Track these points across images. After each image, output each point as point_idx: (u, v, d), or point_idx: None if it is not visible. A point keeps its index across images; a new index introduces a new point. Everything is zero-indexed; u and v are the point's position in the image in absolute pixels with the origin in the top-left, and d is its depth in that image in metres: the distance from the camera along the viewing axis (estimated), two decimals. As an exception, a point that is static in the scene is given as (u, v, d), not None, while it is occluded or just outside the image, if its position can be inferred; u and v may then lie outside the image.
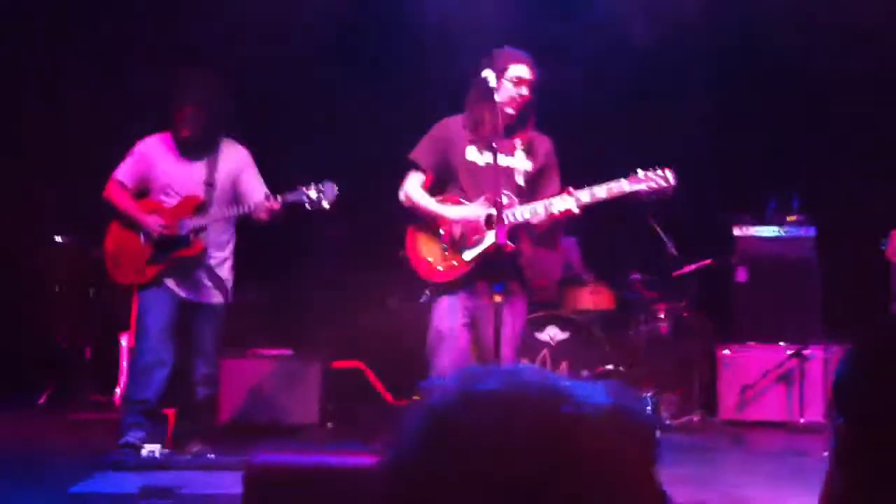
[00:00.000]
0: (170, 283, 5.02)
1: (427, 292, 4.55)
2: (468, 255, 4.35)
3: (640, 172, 4.26)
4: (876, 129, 6.85)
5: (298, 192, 4.80)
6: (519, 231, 4.34)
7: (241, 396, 5.96)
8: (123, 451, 4.82)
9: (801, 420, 6.20)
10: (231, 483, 3.33)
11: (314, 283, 7.01)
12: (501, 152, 4.21)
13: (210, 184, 5.04)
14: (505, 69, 4.34)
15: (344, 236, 7.00)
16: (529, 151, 4.44)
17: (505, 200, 4.18)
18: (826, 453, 1.18)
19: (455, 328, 4.33)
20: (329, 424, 6.02)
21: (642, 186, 4.24)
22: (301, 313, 6.81)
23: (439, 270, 4.38)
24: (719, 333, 6.66)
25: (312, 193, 4.77)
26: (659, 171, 4.26)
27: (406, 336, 4.87)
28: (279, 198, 4.84)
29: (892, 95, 6.69)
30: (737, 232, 6.81)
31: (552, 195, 4.33)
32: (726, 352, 6.52)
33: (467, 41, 4.86)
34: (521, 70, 4.36)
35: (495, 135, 4.30)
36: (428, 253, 4.40)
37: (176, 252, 4.99)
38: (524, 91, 4.37)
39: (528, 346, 5.83)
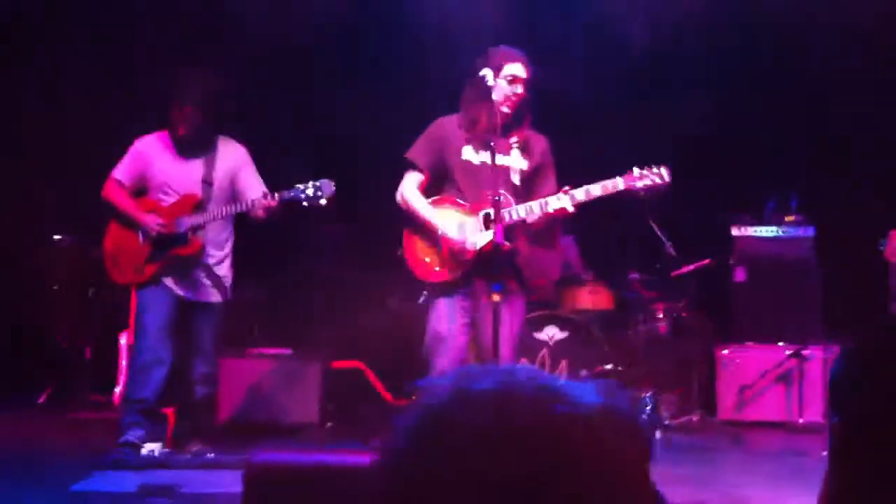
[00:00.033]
0: (168, 281, 5.02)
1: (425, 293, 4.56)
2: (469, 245, 4.35)
3: (636, 170, 4.27)
4: (875, 130, 6.86)
5: (295, 189, 4.81)
6: (515, 230, 4.35)
7: (241, 395, 5.96)
8: (123, 450, 4.82)
9: (800, 420, 6.20)
10: (231, 482, 3.33)
11: (313, 283, 7.01)
12: (497, 151, 4.23)
13: (208, 182, 5.04)
14: (500, 68, 4.35)
15: (343, 235, 7.00)
16: (525, 150, 4.44)
17: (495, 201, 4.19)
18: (825, 453, 1.19)
19: (453, 329, 4.33)
20: (328, 424, 6.02)
21: (638, 184, 4.25)
22: (300, 312, 6.81)
23: (436, 271, 4.39)
24: (718, 333, 6.66)
25: (309, 191, 4.77)
26: (654, 169, 4.27)
27: (405, 336, 4.87)
28: (276, 195, 4.85)
29: (891, 95, 6.70)
30: (735, 232, 6.82)
31: (548, 194, 4.34)
32: (725, 352, 6.53)
33: (467, 41, 4.86)
34: (516, 69, 4.37)
35: (491, 133, 4.31)
36: (425, 254, 4.41)
37: (174, 250, 4.99)
38: (519, 89, 4.37)
39: (527, 346, 5.83)
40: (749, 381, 6.39)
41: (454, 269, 4.36)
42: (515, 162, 4.42)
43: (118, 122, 6.05)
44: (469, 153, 4.42)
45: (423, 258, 4.40)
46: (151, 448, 4.89)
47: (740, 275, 6.74)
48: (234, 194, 5.08)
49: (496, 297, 4.07)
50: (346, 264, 7.01)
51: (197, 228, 5.01)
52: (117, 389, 6.04)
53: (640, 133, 6.71)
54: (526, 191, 4.40)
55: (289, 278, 7.09)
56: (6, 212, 6.87)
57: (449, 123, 4.49)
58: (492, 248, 4.19)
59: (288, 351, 6.24)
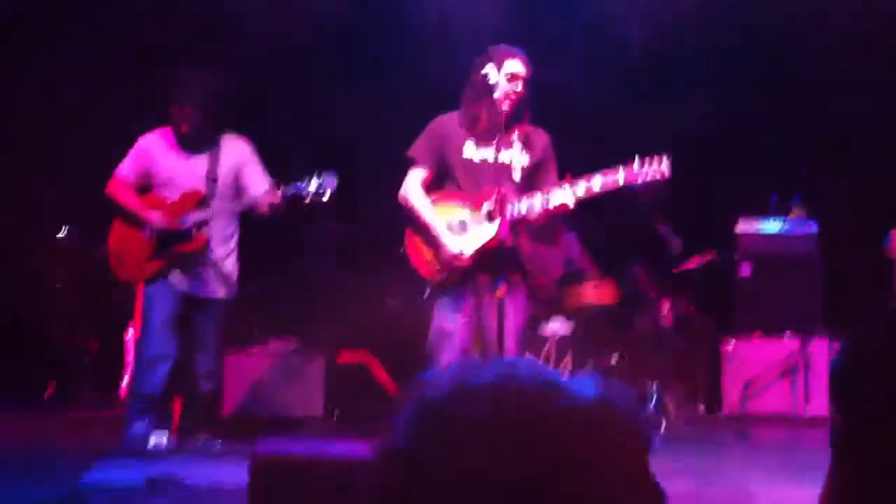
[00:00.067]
0: (173, 278, 5.03)
1: (428, 289, 4.55)
2: (466, 249, 4.35)
3: (636, 163, 4.27)
4: (878, 126, 6.86)
5: (298, 185, 4.82)
6: (517, 226, 4.35)
7: (245, 390, 5.96)
8: (129, 443, 4.84)
9: (805, 414, 6.20)
10: (236, 474, 3.33)
11: (318, 278, 7.02)
12: (498, 148, 4.22)
13: (212, 178, 5.05)
14: (500, 65, 4.35)
15: (347, 232, 7.01)
16: (526, 146, 4.44)
17: (496, 197, 4.20)
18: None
19: (457, 325, 4.33)
20: (333, 418, 6.03)
21: (638, 177, 4.25)
22: (305, 307, 6.82)
23: (439, 269, 4.38)
24: (722, 328, 6.67)
25: (312, 186, 4.79)
26: (654, 161, 4.27)
27: (409, 331, 4.87)
28: (279, 191, 4.86)
29: (892, 93, 6.70)
30: (739, 228, 6.83)
31: (550, 189, 4.34)
32: (730, 346, 6.53)
33: (467, 41, 4.87)
34: (515, 66, 4.37)
35: (492, 131, 4.31)
36: (427, 252, 4.41)
37: (178, 246, 5.00)
38: (518, 87, 4.38)
39: (532, 341, 5.83)
40: (753, 375, 6.39)
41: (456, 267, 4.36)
42: (517, 158, 4.42)
43: (118, 121, 6.06)
44: (470, 151, 4.42)
45: (426, 256, 4.40)
46: (157, 440, 4.90)
47: (746, 270, 6.75)
48: (238, 190, 5.09)
49: (500, 293, 4.07)
50: (348, 262, 7.02)
51: (201, 224, 5.01)
52: (123, 383, 6.05)
53: (641, 132, 6.71)
54: (527, 187, 4.39)
55: (292, 274, 7.09)
56: (6, 211, 6.88)
57: (449, 121, 4.49)
58: (496, 244, 4.19)
59: (291, 346, 6.25)
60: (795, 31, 6.89)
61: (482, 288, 4.32)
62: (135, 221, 5.05)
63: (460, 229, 4.37)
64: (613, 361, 5.97)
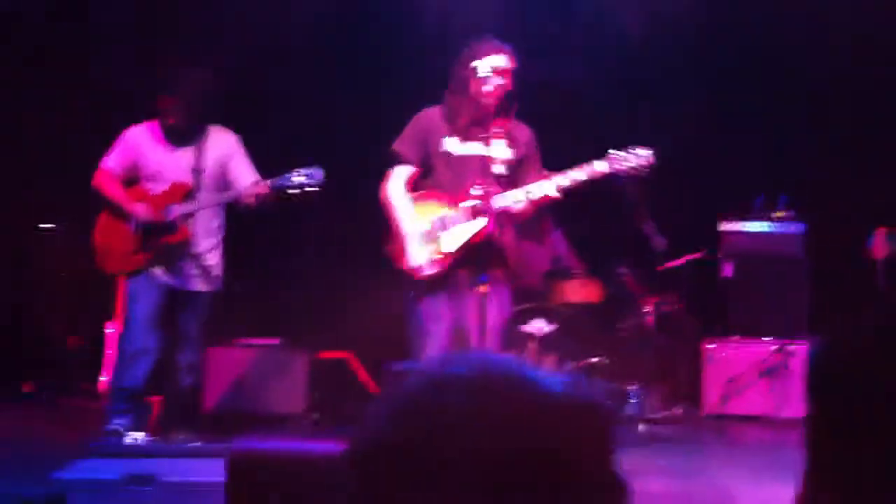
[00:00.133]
0: (157, 271, 5.02)
1: (412, 287, 4.54)
2: (447, 245, 4.34)
3: (619, 153, 4.27)
4: (865, 127, 6.88)
5: (285, 177, 4.81)
6: (502, 220, 4.34)
7: (227, 385, 5.95)
8: (107, 438, 4.83)
9: (785, 415, 6.22)
10: (214, 471, 3.32)
11: (303, 274, 7.01)
12: (481, 142, 4.21)
13: (198, 170, 5.03)
14: (485, 59, 4.35)
15: (336, 229, 7.00)
16: (510, 141, 4.44)
17: (480, 191, 4.19)
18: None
19: (439, 322, 4.33)
20: (315, 415, 6.02)
21: (621, 166, 4.26)
22: (289, 303, 6.82)
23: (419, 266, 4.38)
24: (705, 328, 6.68)
25: (300, 178, 4.78)
26: (637, 150, 4.28)
27: (393, 329, 4.87)
28: (266, 182, 4.86)
29: (882, 92, 6.72)
30: (724, 227, 6.83)
31: (534, 182, 4.34)
32: (712, 346, 6.54)
33: (468, 41, 4.84)
34: (499, 60, 4.37)
35: (476, 125, 4.31)
36: (409, 247, 4.39)
37: (162, 238, 4.98)
38: (502, 81, 4.37)
39: (515, 339, 5.83)
40: (735, 376, 6.41)
41: (439, 260, 4.35)
42: (500, 152, 4.40)
43: (108, 115, 6.02)
44: (452, 145, 4.42)
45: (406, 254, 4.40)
46: (135, 436, 4.90)
47: (728, 270, 6.75)
48: (225, 183, 5.08)
49: (483, 289, 4.07)
50: (335, 256, 7.01)
51: (187, 217, 5.00)
52: (102, 378, 6.03)
53: (631, 128, 6.70)
54: (510, 182, 4.39)
55: (278, 269, 7.08)
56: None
57: (433, 114, 4.48)
58: (483, 237, 4.19)
59: (275, 341, 6.24)
60: (781, 30, 6.90)
61: (464, 284, 4.32)
62: (121, 214, 5.04)
63: (441, 226, 4.36)
64: (596, 360, 5.99)
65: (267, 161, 5.16)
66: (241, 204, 4.95)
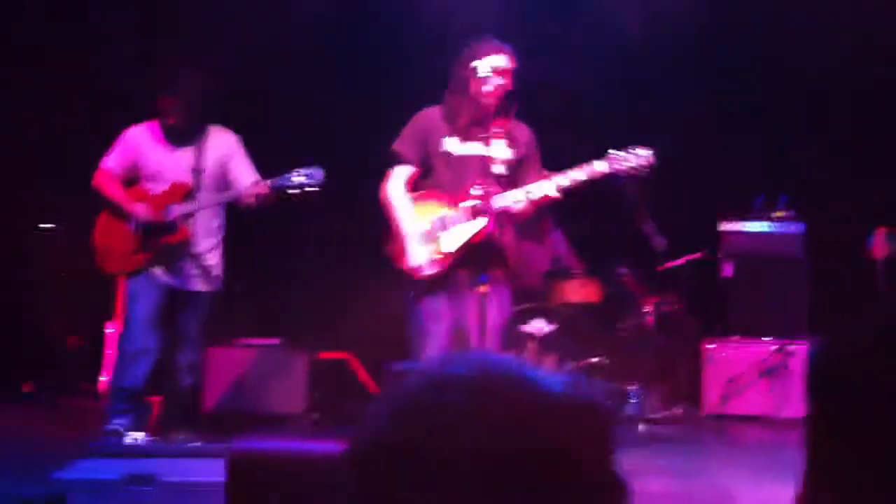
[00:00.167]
0: (157, 271, 5.02)
1: (412, 287, 4.54)
2: (447, 245, 4.34)
3: (619, 153, 4.27)
4: (865, 127, 6.88)
5: (285, 177, 4.82)
6: (503, 219, 4.34)
7: (227, 385, 5.95)
8: (107, 438, 4.83)
9: (785, 415, 6.22)
10: (214, 471, 3.32)
11: (303, 274, 7.01)
12: (481, 142, 4.21)
13: (198, 170, 5.03)
14: (484, 59, 4.35)
15: (336, 229, 6.99)
16: (510, 141, 4.44)
17: (480, 191, 4.19)
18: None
19: (439, 322, 4.33)
20: (315, 415, 6.02)
21: (621, 166, 4.26)
22: (289, 303, 6.81)
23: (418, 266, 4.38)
24: (705, 328, 6.68)
25: (300, 178, 4.79)
26: (637, 150, 4.28)
27: (393, 329, 4.87)
28: (266, 182, 4.86)
29: (882, 92, 6.72)
30: (724, 227, 6.83)
31: (534, 182, 4.34)
32: (712, 346, 6.54)
33: (466, 39, 4.85)
34: (499, 60, 4.37)
35: (475, 125, 4.31)
36: (409, 247, 4.39)
37: (162, 238, 4.99)
38: (502, 81, 4.37)
39: (515, 339, 5.83)
40: (735, 376, 6.41)
41: (439, 260, 4.35)
42: (500, 152, 4.40)
43: (108, 116, 6.02)
44: (452, 145, 4.42)
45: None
46: (135, 436, 4.90)
47: (728, 270, 6.75)
48: (225, 183, 5.08)
49: (483, 289, 4.07)
50: (336, 256, 7.01)
51: (187, 217, 5.00)
52: (102, 378, 6.03)
53: (631, 128, 6.70)
54: (510, 182, 4.39)
55: (278, 269, 7.08)
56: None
57: (432, 114, 4.48)
58: (483, 237, 4.20)
59: (275, 341, 6.24)
60: (781, 30, 6.90)
61: (464, 284, 4.32)
62: (121, 214, 5.04)
63: (441, 226, 4.36)
64: (596, 360, 5.99)
65: (267, 161, 5.16)
66: (241, 204, 4.95)
